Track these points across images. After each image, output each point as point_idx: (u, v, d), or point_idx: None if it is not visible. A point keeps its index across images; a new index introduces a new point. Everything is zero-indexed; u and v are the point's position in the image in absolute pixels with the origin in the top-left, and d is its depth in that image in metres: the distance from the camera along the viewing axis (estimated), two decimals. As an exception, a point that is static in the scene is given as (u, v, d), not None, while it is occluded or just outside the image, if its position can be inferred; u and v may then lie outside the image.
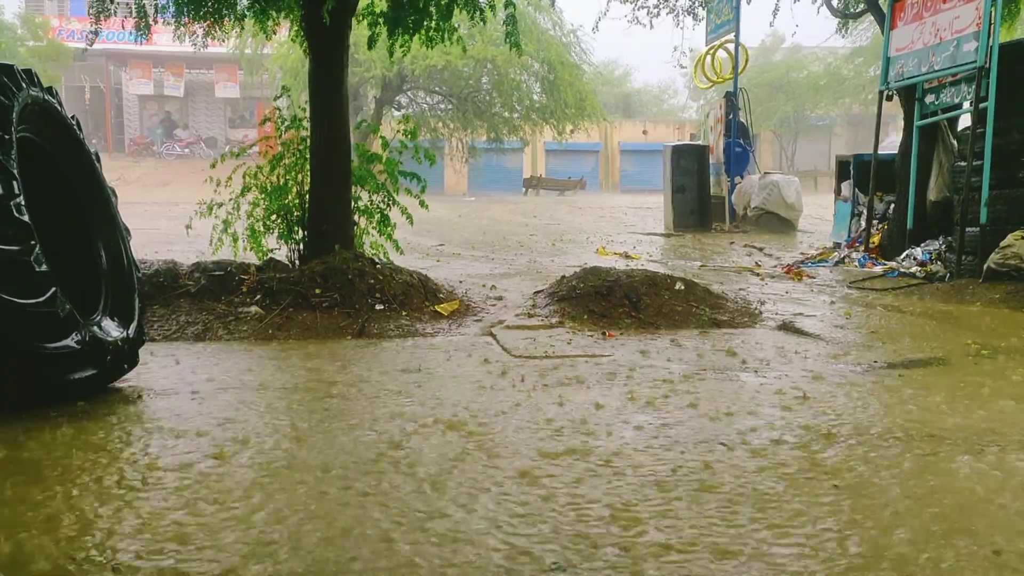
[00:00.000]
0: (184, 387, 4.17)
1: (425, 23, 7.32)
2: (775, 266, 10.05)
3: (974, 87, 8.14)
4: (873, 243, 10.40)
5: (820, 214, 16.64)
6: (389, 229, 7.22)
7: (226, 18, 7.95)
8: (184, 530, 2.46)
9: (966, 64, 8.23)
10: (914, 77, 9.34)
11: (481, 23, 7.46)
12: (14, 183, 3.50)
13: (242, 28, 8.85)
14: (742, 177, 16.92)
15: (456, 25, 7.77)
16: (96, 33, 8.46)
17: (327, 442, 3.30)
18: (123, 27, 8.68)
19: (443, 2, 7.13)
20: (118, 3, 8.12)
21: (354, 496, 2.73)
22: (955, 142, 9.22)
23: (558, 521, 2.54)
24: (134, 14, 8.06)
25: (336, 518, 2.56)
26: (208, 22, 7.95)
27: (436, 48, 8.77)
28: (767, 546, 2.38)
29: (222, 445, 3.22)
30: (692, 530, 2.49)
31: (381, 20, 7.42)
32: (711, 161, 16.73)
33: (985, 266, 7.51)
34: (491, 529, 2.49)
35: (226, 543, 2.38)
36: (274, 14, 7.74)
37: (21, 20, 33.99)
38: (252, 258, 6.91)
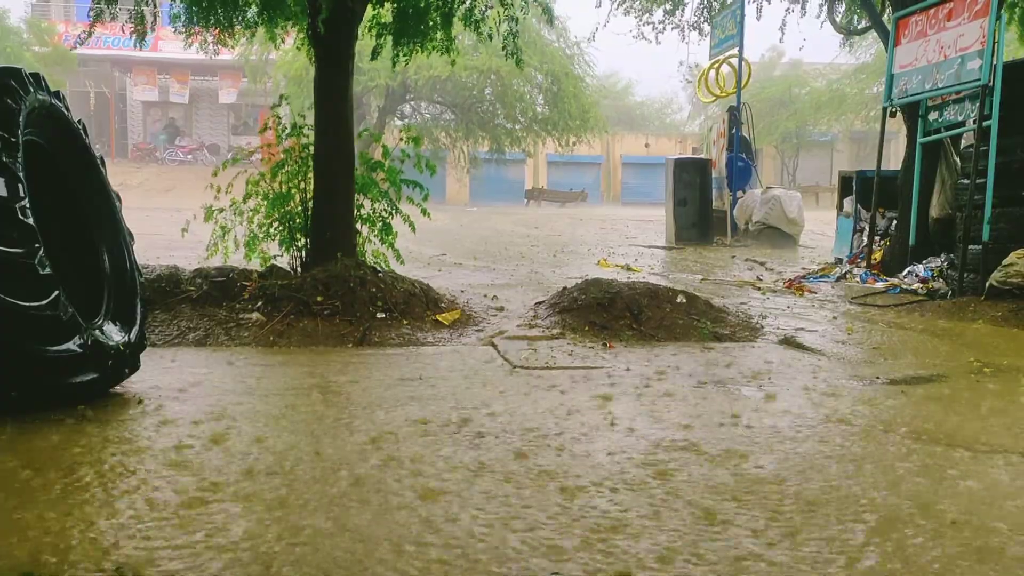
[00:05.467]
0: (184, 392, 4.15)
1: (428, 34, 7.38)
2: (776, 281, 10.04)
3: (977, 105, 8.16)
4: (875, 259, 10.41)
5: (821, 229, 16.64)
6: (391, 238, 7.21)
7: (236, 26, 7.97)
8: (180, 534, 2.45)
9: (970, 82, 8.25)
10: (918, 94, 9.37)
11: (487, 40, 7.51)
12: (19, 186, 3.51)
13: (252, 35, 8.86)
14: (744, 191, 16.95)
15: (456, 36, 7.82)
16: (89, 34, 8.43)
17: (324, 450, 3.29)
18: (123, 31, 8.65)
19: (444, 12, 7.19)
20: (118, 7, 8.10)
21: (367, 506, 2.72)
22: (958, 159, 9.23)
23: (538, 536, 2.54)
24: (133, 20, 8.04)
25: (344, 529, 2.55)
26: (218, 30, 7.97)
27: (439, 58, 8.83)
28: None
29: (221, 450, 3.21)
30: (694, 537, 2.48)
31: (387, 31, 7.48)
32: (713, 175, 16.77)
33: (987, 284, 7.51)
34: (480, 537, 2.48)
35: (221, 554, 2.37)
36: (282, 22, 7.76)
37: (27, 25, 34.12)
38: (253, 264, 6.90)
